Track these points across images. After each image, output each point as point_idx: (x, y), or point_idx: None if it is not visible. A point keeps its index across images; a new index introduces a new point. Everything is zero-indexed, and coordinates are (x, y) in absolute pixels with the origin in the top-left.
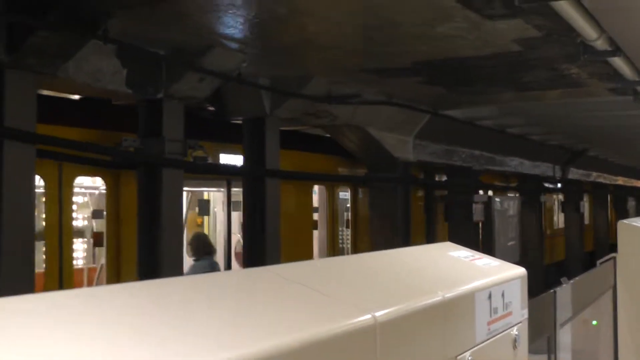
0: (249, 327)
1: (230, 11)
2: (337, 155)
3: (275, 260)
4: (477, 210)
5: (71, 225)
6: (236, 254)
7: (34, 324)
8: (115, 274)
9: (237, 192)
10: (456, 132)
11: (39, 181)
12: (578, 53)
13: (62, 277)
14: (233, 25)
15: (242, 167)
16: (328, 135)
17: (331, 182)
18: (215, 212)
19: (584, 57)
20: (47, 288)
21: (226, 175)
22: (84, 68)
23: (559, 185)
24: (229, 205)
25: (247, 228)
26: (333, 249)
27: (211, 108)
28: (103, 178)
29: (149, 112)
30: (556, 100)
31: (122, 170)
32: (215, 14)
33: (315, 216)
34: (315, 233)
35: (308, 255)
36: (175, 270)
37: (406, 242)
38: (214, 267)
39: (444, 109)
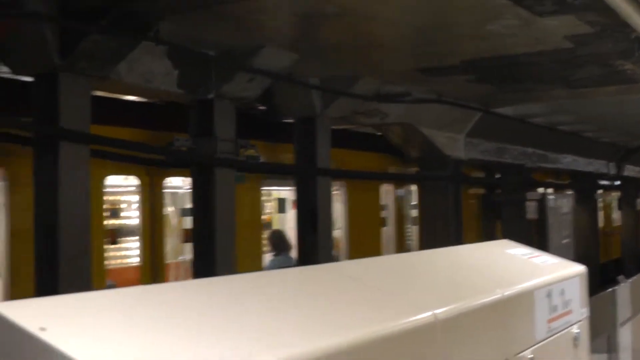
0: (312, 324)
1: (280, 11)
2: (386, 153)
3: (327, 258)
4: (531, 208)
5: (163, 223)
6: None
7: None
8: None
9: None
10: (507, 130)
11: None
12: (633, 49)
13: (156, 271)
14: (283, 25)
15: (293, 166)
16: (378, 134)
17: (397, 181)
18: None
19: (639, 53)
20: (143, 281)
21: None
22: (136, 70)
23: (614, 182)
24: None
25: (299, 227)
26: (400, 245)
27: (262, 108)
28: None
29: (201, 112)
30: (609, 97)
31: None
32: (264, 14)
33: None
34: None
35: (376, 251)
36: (229, 268)
37: (458, 240)
38: (289, 263)
39: (495, 107)
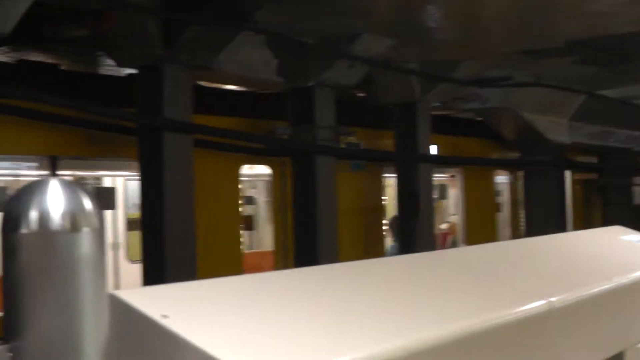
0: (424, 313)
1: None
2: (487, 139)
3: (428, 245)
4: (638, 193)
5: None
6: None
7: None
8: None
9: None
10: (612, 113)
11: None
12: None
13: (287, 256)
14: (381, 9)
15: (393, 152)
16: (477, 119)
17: (498, 166)
18: None
19: None
20: (276, 266)
21: None
22: (236, 59)
23: None
24: None
25: (401, 213)
26: (515, 230)
27: (361, 94)
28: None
29: (300, 100)
30: None
31: None
32: (362, 0)
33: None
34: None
35: (492, 237)
36: (331, 256)
37: (562, 226)
38: None
39: (599, 89)
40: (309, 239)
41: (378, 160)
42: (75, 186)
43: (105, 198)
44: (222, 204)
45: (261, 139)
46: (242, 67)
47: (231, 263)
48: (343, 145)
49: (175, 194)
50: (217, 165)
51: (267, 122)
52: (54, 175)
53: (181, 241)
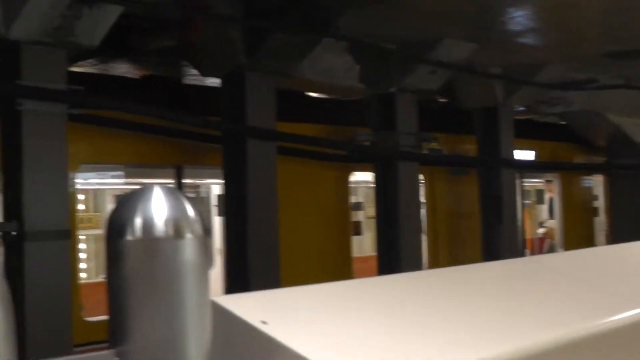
0: (524, 319)
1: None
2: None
3: (513, 251)
4: None
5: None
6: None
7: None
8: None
9: None
10: None
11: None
12: None
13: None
14: (463, 14)
15: (476, 158)
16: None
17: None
18: None
19: None
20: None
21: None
22: (318, 66)
23: None
24: None
25: (483, 219)
26: (612, 234)
27: (442, 100)
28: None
29: (382, 106)
30: None
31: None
32: (444, 4)
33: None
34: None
35: (590, 241)
36: (415, 262)
37: None
38: None
39: None
40: (391, 246)
41: (460, 166)
42: (178, 193)
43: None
44: (337, 211)
45: (344, 146)
46: (324, 74)
47: (343, 267)
48: (425, 151)
49: (258, 200)
50: (331, 174)
51: (349, 128)
52: (179, 184)
53: (264, 248)
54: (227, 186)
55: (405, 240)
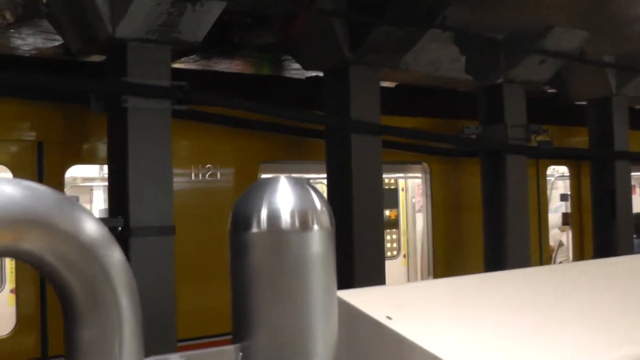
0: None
1: None
2: None
3: (627, 246)
4: None
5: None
6: None
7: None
8: (579, 252)
9: None
10: None
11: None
12: None
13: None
14: (573, 1)
15: (588, 150)
16: None
17: None
18: None
19: None
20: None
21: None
22: (423, 58)
23: None
24: None
25: (595, 213)
26: None
27: (551, 90)
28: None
29: (489, 98)
30: None
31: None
32: None
33: None
34: None
35: None
36: (522, 260)
37: None
38: None
39: None
40: (497, 242)
41: (571, 159)
42: (304, 184)
43: None
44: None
45: (451, 139)
46: (429, 66)
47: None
48: (535, 144)
49: (363, 196)
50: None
51: (455, 121)
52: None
53: (369, 245)
54: (331, 181)
55: (512, 237)
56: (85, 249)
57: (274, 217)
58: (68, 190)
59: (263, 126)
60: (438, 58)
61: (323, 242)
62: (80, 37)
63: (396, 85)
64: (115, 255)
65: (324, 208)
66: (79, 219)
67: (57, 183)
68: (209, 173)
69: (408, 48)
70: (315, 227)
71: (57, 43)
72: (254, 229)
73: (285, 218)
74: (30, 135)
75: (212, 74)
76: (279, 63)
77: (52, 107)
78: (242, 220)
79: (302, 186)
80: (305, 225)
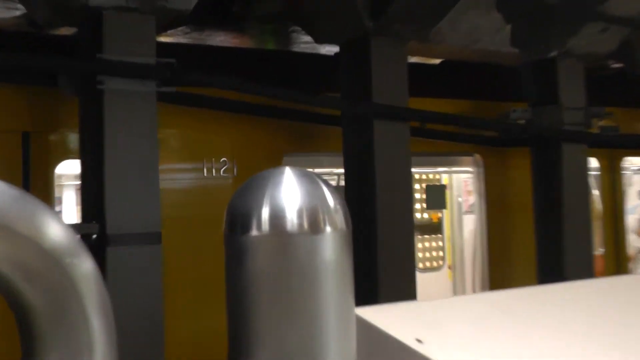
0: None
1: None
2: None
3: None
4: None
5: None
6: None
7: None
8: None
9: None
10: None
11: None
12: None
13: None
14: None
15: None
16: None
17: None
18: None
19: None
20: (607, 272)
21: None
22: (459, 28)
23: None
24: None
25: None
26: None
27: (616, 65)
28: None
29: (541, 75)
30: None
31: None
32: None
33: None
34: None
35: None
36: (582, 261)
37: None
38: None
39: None
40: (553, 245)
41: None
42: (314, 176)
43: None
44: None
45: (493, 125)
46: (467, 38)
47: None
48: (596, 130)
49: (388, 193)
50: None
51: (499, 104)
52: None
53: (396, 251)
54: (348, 175)
55: (569, 239)
56: (49, 257)
57: (277, 217)
58: (58, 189)
59: (265, 111)
60: (477, 27)
61: (337, 247)
62: (46, 6)
63: (426, 62)
64: (84, 266)
65: (338, 206)
66: (42, 222)
67: (46, 180)
68: (223, 168)
69: (440, 16)
70: (328, 228)
71: (18, 13)
72: (254, 231)
73: (291, 218)
74: (14, 125)
75: (206, 49)
76: (286, 35)
77: (44, 91)
78: (239, 221)
79: (311, 179)
80: (315, 227)
